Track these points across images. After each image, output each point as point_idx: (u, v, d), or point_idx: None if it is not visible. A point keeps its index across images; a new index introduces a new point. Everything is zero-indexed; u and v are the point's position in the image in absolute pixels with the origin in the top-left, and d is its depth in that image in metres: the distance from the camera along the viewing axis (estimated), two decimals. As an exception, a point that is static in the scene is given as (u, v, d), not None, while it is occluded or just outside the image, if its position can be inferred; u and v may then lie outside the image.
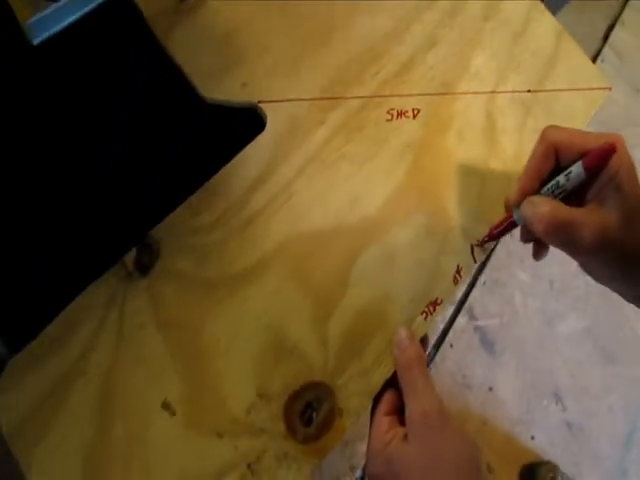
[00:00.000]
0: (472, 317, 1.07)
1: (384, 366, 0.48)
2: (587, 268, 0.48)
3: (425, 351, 0.51)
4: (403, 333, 0.49)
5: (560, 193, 0.45)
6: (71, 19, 0.55)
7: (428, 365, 1.01)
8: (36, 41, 0.54)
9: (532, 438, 1.01)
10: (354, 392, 0.47)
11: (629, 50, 1.48)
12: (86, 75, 0.55)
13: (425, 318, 0.51)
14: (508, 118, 0.61)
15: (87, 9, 0.56)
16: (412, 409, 0.44)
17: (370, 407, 0.48)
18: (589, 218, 0.42)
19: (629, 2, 1.57)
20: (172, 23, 0.56)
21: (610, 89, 0.67)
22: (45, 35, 0.54)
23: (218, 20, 0.57)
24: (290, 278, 0.49)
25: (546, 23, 0.67)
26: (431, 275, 0.52)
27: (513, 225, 0.50)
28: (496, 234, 0.52)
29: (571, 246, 0.44)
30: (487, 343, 1.05)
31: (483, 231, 0.55)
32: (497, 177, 0.58)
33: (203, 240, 0.49)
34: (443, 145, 0.58)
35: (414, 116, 0.58)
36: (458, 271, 0.53)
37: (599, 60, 1.44)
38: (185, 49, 0.56)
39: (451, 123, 0.59)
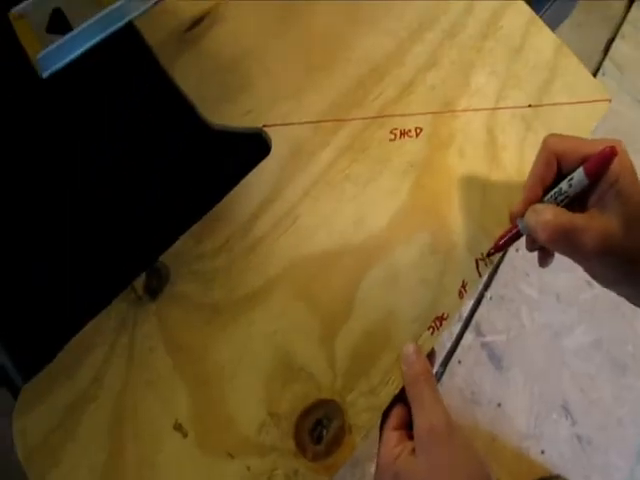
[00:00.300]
0: (479, 333, 1.07)
1: (391, 383, 0.49)
2: (591, 273, 0.48)
3: (432, 366, 0.52)
4: (410, 348, 0.49)
5: (563, 200, 0.45)
6: (78, 52, 0.57)
7: (437, 381, 1.01)
8: (45, 74, 0.55)
9: (542, 452, 1.01)
10: (363, 409, 0.47)
11: (629, 63, 1.49)
12: (94, 105, 0.56)
13: (432, 333, 0.51)
14: (509, 134, 0.61)
15: (93, 42, 0.57)
16: (420, 423, 0.45)
17: (379, 422, 0.49)
18: (591, 224, 0.43)
19: (628, 16, 1.58)
20: (177, 52, 0.58)
21: (610, 101, 0.67)
22: (54, 68, 0.56)
23: (222, 48, 0.59)
24: (296, 300, 0.50)
25: (545, 38, 0.68)
26: (436, 293, 0.53)
27: (518, 235, 0.50)
28: (502, 245, 0.53)
29: (575, 252, 0.44)
30: (495, 359, 1.06)
31: (487, 246, 0.55)
32: (499, 192, 0.58)
33: (208, 265, 0.50)
34: (445, 163, 0.58)
35: (417, 135, 0.59)
36: (463, 286, 0.54)
37: (600, 73, 1.46)
38: (190, 77, 0.57)
39: (452, 140, 0.60)
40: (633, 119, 1.39)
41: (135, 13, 0.59)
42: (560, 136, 0.47)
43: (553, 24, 0.81)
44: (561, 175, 0.47)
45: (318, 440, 0.46)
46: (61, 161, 0.54)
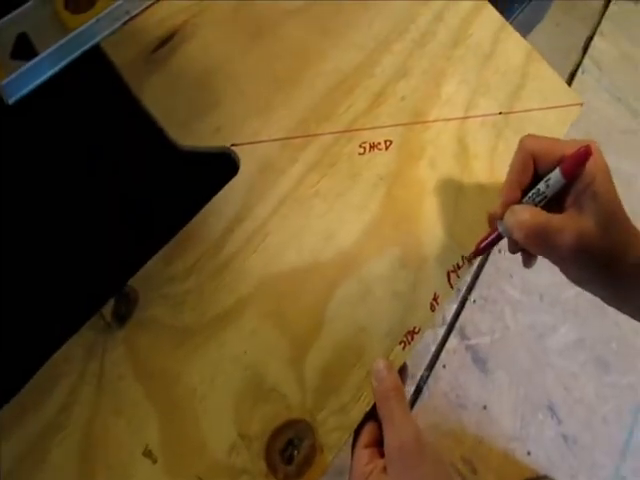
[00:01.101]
0: (464, 336, 1.08)
1: (362, 400, 0.49)
2: (568, 273, 0.48)
3: (404, 380, 0.52)
4: (381, 364, 0.49)
5: (541, 201, 0.46)
6: (45, 77, 0.57)
7: (421, 387, 1.02)
8: (11, 101, 0.55)
9: (528, 454, 1.02)
10: (334, 427, 0.47)
11: (608, 60, 1.50)
12: (60, 129, 0.56)
13: (403, 348, 0.51)
14: (480, 142, 0.61)
15: (60, 66, 0.57)
16: (390, 441, 0.45)
17: (351, 440, 0.49)
18: (567, 224, 0.43)
19: (607, 13, 1.59)
20: (145, 72, 0.58)
21: (582, 105, 0.67)
22: (19, 94, 0.56)
23: (190, 67, 0.59)
24: (266, 319, 0.50)
25: (515, 44, 0.68)
26: (407, 305, 0.53)
27: (499, 238, 0.50)
28: (482, 248, 0.53)
29: (551, 252, 0.45)
30: (479, 361, 1.06)
31: (459, 257, 0.55)
32: (471, 202, 0.58)
33: (178, 288, 0.50)
34: (416, 175, 0.58)
35: (386, 148, 0.59)
36: (435, 299, 0.54)
37: (580, 71, 1.46)
38: (159, 97, 0.57)
39: (423, 152, 0.60)
40: (612, 116, 1.40)
41: (101, 35, 0.59)
42: (536, 137, 0.47)
43: (526, 28, 0.82)
44: (538, 176, 0.47)
45: (289, 460, 0.46)
46: (24, 185, 0.54)
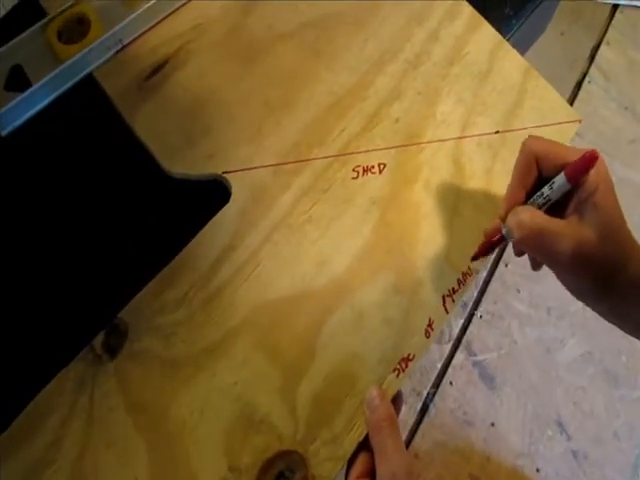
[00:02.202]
0: (470, 352, 1.07)
1: (355, 431, 0.48)
2: (565, 283, 0.48)
3: (398, 408, 0.51)
4: (374, 392, 0.49)
5: (544, 204, 0.46)
6: (38, 107, 0.57)
7: (427, 404, 1.01)
8: (4, 132, 0.55)
9: (537, 470, 1.01)
10: (326, 458, 0.47)
11: (615, 69, 1.49)
12: (54, 159, 0.57)
13: (397, 375, 0.51)
14: (476, 162, 0.61)
15: (53, 96, 0.58)
16: (381, 472, 0.45)
17: (344, 471, 0.49)
18: (567, 230, 0.43)
19: (613, 22, 1.58)
20: (138, 100, 0.58)
21: (580, 121, 0.67)
22: (13, 125, 0.56)
23: (182, 94, 0.59)
24: (258, 349, 0.50)
25: (512, 61, 0.67)
26: (401, 332, 0.53)
27: (501, 240, 0.49)
28: (484, 250, 0.52)
29: (549, 257, 0.45)
30: (487, 378, 1.06)
31: (454, 281, 0.55)
32: (468, 224, 0.58)
33: (169, 319, 0.50)
34: (410, 197, 0.58)
35: (380, 171, 0.59)
36: (430, 324, 0.53)
37: (586, 81, 1.46)
38: (151, 125, 0.57)
39: (418, 174, 0.59)
40: (619, 126, 1.39)
41: (94, 65, 0.59)
42: (538, 138, 0.47)
43: (526, 44, 0.81)
44: (542, 179, 0.47)
45: (281, 493, 0.46)
46: (16, 214, 0.55)
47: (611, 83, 1.46)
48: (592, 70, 1.47)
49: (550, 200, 0.45)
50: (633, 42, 1.53)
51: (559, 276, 0.48)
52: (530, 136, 0.47)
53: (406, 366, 0.52)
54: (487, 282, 1.09)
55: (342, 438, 0.48)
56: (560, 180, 0.44)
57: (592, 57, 1.50)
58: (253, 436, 0.47)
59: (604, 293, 0.46)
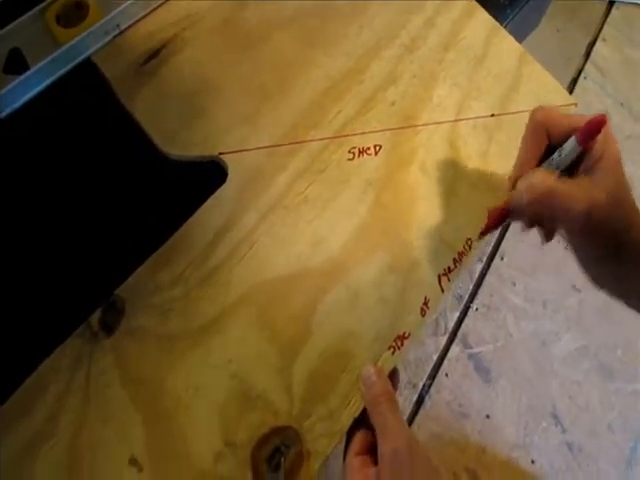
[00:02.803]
0: (466, 345, 1.07)
1: (351, 406, 0.48)
2: (575, 246, 0.48)
3: (395, 386, 0.51)
4: (370, 369, 0.49)
5: (555, 170, 0.45)
6: (36, 90, 0.57)
7: (423, 397, 1.01)
8: (3, 115, 0.56)
9: (532, 462, 1.01)
10: (321, 434, 0.47)
11: (611, 65, 1.49)
12: (53, 141, 0.57)
13: (393, 353, 0.51)
14: (472, 145, 0.61)
15: (51, 79, 0.58)
16: (383, 448, 0.44)
17: (343, 448, 0.49)
18: (579, 190, 0.42)
19: (609, 18, 1.58)
20: (135, 85, 0.58)
21: (576, 105, 0.67)
22: (12, 108, 0.56)
23: (179, 79, 0.59)
24: (254, 326, 0.50)
25: (507, 46, 0.68)
26: (397, 310, 0.53)
27: (508, 214, 0.48)
28: (493, 223, 0.51)
29: (561, 217, 0.44)
30: (482, 370, 1.06)
31: (450, 260, 0.55)
32: (462, 205, 0.58)
33: (166, 296, 0.50)
34: (406, 179, 0.58)
35: (376, 153, 0.59)
36: (425, 303, 0.54)
37: (582, 77, 1.46)
38: (149, 108, 0.57)
39: (414, 156, 0.59)
40: (615, 121, 1.39)
41: (92, 49, 0.59)
42: (546, 108, 0.46)
43: (520, 35, 0.82)
44: (549, 150, 0.46)
45: (276, 468, 0.45)
46: (14, 193, 0.55)
47: (607, 79, 1.47)
48: (588, 66, 1.47)
49: (559, 167, 0.45)
50: (629, 39, 1.54)
51: (570, 242, 0.47)
52: (537, 107, 0.47)
53: (402, 344, 0.52)
54: (483, 275, 1.09)
55: (338, 414, 0.48)
56: (570, 145, 0.44)
57: (588, 53, 1.50)
58: (249, 412, 0.47)
59: (613, 261, 0.46)
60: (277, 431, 0.47)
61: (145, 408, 0.47)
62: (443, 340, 1.06)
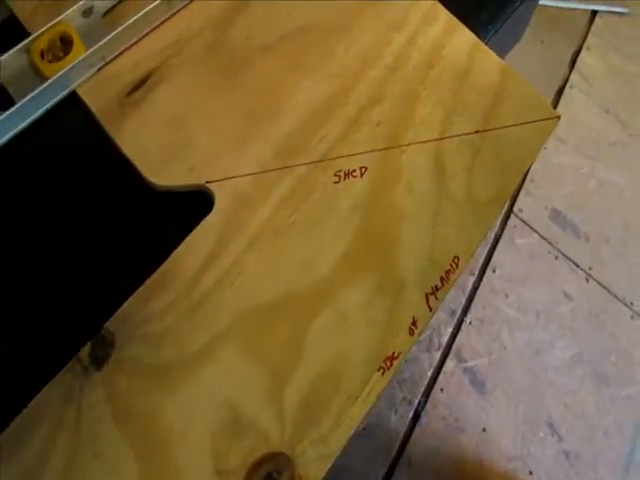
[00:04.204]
0: (460, 359, 1.07)
1: (342, 428, 0.49)
2: None
3: None
4: None
5: None
6: (22, 125, 0.57)
7: (419, 412, 1.02)
8: (-14, 151, 0.56)
9: (530, 473, 1.01)
10: (314, 458, 0.47)
11: (596, 74, 1.51)
12: (38, 175, 0.57)
13: (382, 373, 0.51)
14: (457, 162, 0.62)
15: (36, 115, 0.58)
16: None
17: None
18: None
19: (592, 27, 1.60)
20: (121, 116, 0.58)
21: (559, 117, 0.68)
22: (-4, 144, 0.56)
23: (165, 108, 0.59)
24: (244, 354, 0.50)
25: (490, 62, 0.68)
26: (385, 332, 0.53)
27: None
28: None
29: None
30: (477, 383, 1.06)
31: (437, 279, 0.56)
32: (449, 223, 0.58)
33: (155, 327, 0.50)
34: (392, 199, 0.59)
35: (361, 175, 0.59)
36: (414, 322, 0.54)
37: (568, 86, 1.48)
38: (134, 139, 0.57)
39: (399, 176, 0.60)
40: (601, 128, 1.41)
41: (77, 82, 0.59)
42: None
43: (503, 48, 0.82)
44: None
45: (269, 494, 0.46)
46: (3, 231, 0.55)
47: (592, 88, 1.48)
48: (573, 75, 1.49)
49: None
50: (613, 47, 1.55)
51: None
52: None
53: (391, 364, 0.52)
54: (475, 288, 1.10)
55: (330, 437, 0.48)
56: None
57: (573, 63, 1.52)
58: (240, 440, 0.47)
59: None
60: (269, 457, 0.47)
61: (137, 442, 0.46)
62: (437, 355, 1.07)
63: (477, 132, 0.64)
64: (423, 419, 1.02)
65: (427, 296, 0.55)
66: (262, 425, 0.48)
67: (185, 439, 0.47)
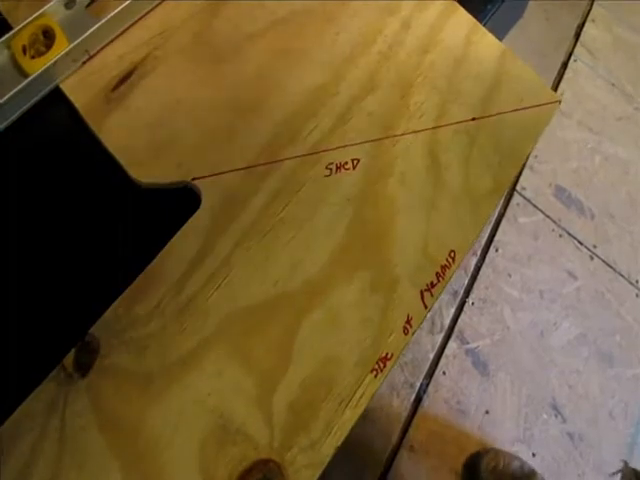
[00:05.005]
0: (463, 341, 1.07)
1: (333, 435, 0.48)
2: None
3: None
4: None
5: None
6: (5, 123, 0.56)
7: (421, 396, 1.01)
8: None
9: (533, 455, 1.01)
10: (303, 465, 0.47)
11: (601, 46, 1.48)
12: (21, 173, 0.56)
13: (375, 375, 0.51)
14: (452, 152, 0.60)
15: (21, 111, 0.57)
16: None
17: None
18: None
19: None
20: (105, 111, 0.57)
21: (560, 102, 0.66)
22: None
23: (149, 104, 0.58)
24: (232, 358, 0.49)
25: (488, 45, 0.66)
26: (379, 331, 0.52)
27: None
28: None
29: None
30: (480, 365, 1.05)
31: (432, 275, 0.54)
32: (444, 216, 0.57)
33: (141, 332, 0.49)
34: (385, 192, 0.57)
35: (354, 167, 0.58)
36: (408, 321, 0.53)
37: (572, 59, 1.45)
38: (119, 136, 0.56)
39: (392, 168, 0.58)
40: (606, 102, 1.38)
41: (61, 77, 0.58)
42: None
43: (504, 26, 0.80)
44: None
45: (259, 503, 0.45)
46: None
47: (597, 60, 1.45)
48: (578, 48, 1.46)
49: None
50: (618, 18, 1.52)
51: None
52: None
53: (384, 366, 0.51)
54: (478, 268, 1.09)
55: (320, 444, 0.47)
56: None
57: (577, 35, 1.49)
58: (229, 447, 0.47)
59: None
60: (258, 465, 0.46)
61: (122, 451, 0.46)
62: (439, 338, 1.06)
63: (474, 119, 0.62)
64: (425, 402, 1.02)
65: (422, 293, 0.54)
66: (251, 432, 0.47)
67: (172, 447, 0.46)
